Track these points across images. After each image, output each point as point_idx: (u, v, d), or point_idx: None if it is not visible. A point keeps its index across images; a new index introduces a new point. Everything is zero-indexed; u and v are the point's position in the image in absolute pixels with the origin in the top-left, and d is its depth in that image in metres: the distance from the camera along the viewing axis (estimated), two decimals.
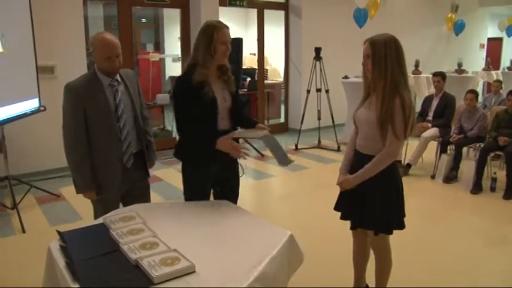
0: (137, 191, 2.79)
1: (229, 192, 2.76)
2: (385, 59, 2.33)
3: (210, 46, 2.41)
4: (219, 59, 2.47)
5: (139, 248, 1.86)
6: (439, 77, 5.90)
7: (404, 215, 2.56)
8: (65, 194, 5.00)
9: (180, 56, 7.53)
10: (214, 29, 2.43)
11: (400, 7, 9.56)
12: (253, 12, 10.33)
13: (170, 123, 7.68)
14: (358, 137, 2.59)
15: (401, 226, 2.54)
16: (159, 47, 11.81)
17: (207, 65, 2.44)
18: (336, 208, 2.69)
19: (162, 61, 10.95)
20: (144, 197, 2.86)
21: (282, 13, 8.60)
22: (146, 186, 2.90)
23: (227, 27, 2.50)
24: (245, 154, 2.53)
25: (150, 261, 1.74)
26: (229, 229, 2.15)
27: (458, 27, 10.22)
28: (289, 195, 5.27)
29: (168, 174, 5.76)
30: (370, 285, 2.89)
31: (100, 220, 2.25)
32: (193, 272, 1.71)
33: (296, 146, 7.44)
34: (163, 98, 7.11)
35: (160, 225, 2.11)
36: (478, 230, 4.24)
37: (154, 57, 8.53)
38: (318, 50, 7.41)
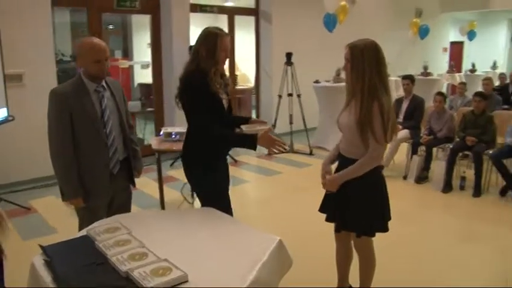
0: (119, 200, 2.77)
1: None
2: (363, 63, 2.37)
3: (214, 53, 2.48)
4: (220, 65, 2.54)
5: (128, 259, 1.83)
6: (408, 80, 6.06)
7: (389, 218, 2.60)
8: (36, 206, 4.84)
9: (150, 62, 7.44)
10: (217, 37, 2.50)
11: (368, 12, 9.76)
12: (222, 18, 10.35)
13: (142, 131, 7.59)
14: (341, 141, 2.63)
15: (385, 229, 2.59)
16: (127, 53, 11.64)
17: (210, 71, 2.49)
18: (321, 210, 2.72)
19: (130, 68, 10.80)
20: (126, 207, 2.83)
21: (251, 19, 8.64)
22: (129, 195, 2.88)
23: (228, 35, 2.57)
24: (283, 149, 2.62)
25: (141, 272, 1.72)
26: (217, 236, 2.14)
27: (423, 32, 10.53)
28: (266, 200, 5.29)
29: (142, 183, 5.62)
30: (353, 286, 2.92)
31: (83, 232, 2.20)
32: (186, 281, 1.69)
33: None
34: (135, 105, 7.03)
35: (146, 235, 2.08)
36: (451, 228, 4.37)
37: (124, 64, 8.41)
38: (289, 55, 7.48)
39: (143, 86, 10.20)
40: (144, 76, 10.41)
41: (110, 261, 1.83)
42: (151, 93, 8.10)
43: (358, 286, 2.80)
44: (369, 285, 2.76)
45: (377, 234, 2.60)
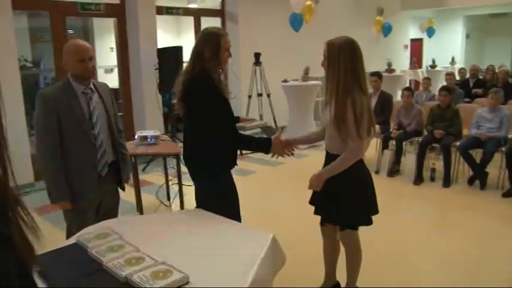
0: (107, 205, 2.74)
1: None
2: (338, 60, 2.41)
3: (218, 53, 2.47)
4: (224, 65, 2.55)
5: (125, 264, 1.81)
6: (376, 76, 6.20)
7: (376, 212, 2.66)
8: None
9: (117, 65, 7.30)
10: (220, 37, 2.49)
11: (332, 11, 9.92)
12: (185, 20, 10.26)
13: None
14: (325, 137, 2.68)
15: (368, 222, 2.65)
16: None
17: (217, 72, 2.49)
18: (311, 202, 2.77)
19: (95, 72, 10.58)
20: (114, 212, 2.80)
21: (218, 20, 8.62)
22: (117, 200, 2.85)
23: (228, 34, 2.59)
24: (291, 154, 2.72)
25: (141, 276, 1.70)
26: (211, 236, 2.14)
27: (386, 29, 10.80)
28: (245, 200, 5.25)
29: None
30: (342, 285, 2.97)
31: (72, 240, 2.15)
32: (188, 282, 1.69)
33: (241, 151, 7.46)
34: None
35: (139, 239, 2.05)
36: (425, 218, 4.52)
37: None
38: (257, 55, 7.52)
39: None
40: (108, 80, 10.20)
41: (106, 267, 1.80)
42: (116, 98, 7.96)
43: (346, 279, 2.85)
44: (355, 278, 2.82)
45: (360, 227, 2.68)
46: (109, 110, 2.67)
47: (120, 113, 6.91)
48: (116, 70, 8.99)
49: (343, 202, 2.58)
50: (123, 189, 2.89)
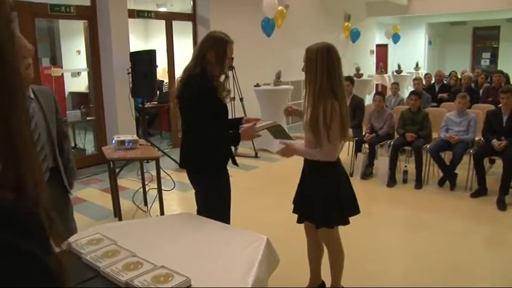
0: (56, 208, 2.68)
1: None
2: (315, 64, 2.46)
3: (223, 60, 2.53)
4: (224, 70, 2.61)
5: (124, 269, 1.79)
6: (349, 81, 6.32)
7: (354, 212, 2.75)
8: None
9: (87, 69, 7.15)
10: (227, 44, 2.54)
11: (302, 17, 10.07)
12: (154, 24, 10.15)
13: (82, 141, 7.29)
14: (304, 140, 2.74)
15: (344, 222, 2.71)
16: (56, 61, 11.10)
17: (219, 77, 2.55)
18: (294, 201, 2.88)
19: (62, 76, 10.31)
20: (65, 212, 2.76)
21: (187, 24, 8.58)
22: (66, 201, 2.81)
23: (232, 42, 2.62)
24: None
25: (142, 281, 1.69)
26: (206, 239, 2.15)
27: (354, 35, 11.04)
28: None
29: (90, 194, 5.46)
30: (327, 285, 3.03)
31: (63, 246, 2.10)
32: (190, 285, 1.69)
33: None
34: (74, 114, 6.72)
35: (133, 244, 2.04)
36: (399, 218, 4.65)
37: (57, 72, 8.02)
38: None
39: (75, 95, 9.80)
40: (75, 85, 9.99)
41: (104, 274, 1.78)
42: (85, 102, 7.79)
43: (331, 279, 2.90)
44: (339, 277, 2.87)
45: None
46: (48, 116, 2.63)
47: (91, 117, 6.89)
48: (83, 74, 8.81)
49: (315, 201, 2.65)
50: (70, 193, 2.84)
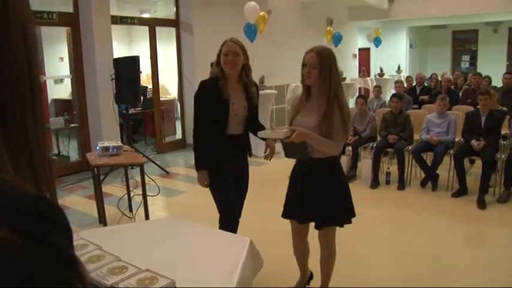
0: None
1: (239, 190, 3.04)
2: (329, 66, 2.50)
3: (219, 58, 2.77)
4: (224, 68, 2.78)
5: (109, 273, 1.81)
6: None
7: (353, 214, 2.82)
8: None
9: (68, 76, 7.12)
10: (224, 43, 2.79)
11: (285, 22, 10.14)
12: (138, 30, 10.13)
13: (65, 148, 7.24)
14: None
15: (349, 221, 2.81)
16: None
17: (219, 74, 2.79)
18: (286, 211, 2.91)
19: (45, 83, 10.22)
20: None
21: (170, 30, 8.59)
22: None
23: (232, 41, 2.81)
24: None
25: (127, 284, 1.71)
26: (190, 242, 2.17)
27: (337, 39, 11.15)
28: (208, 208, 5.27)
29: (73, 201, 5.44)
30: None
31: None
32: (175, 287, 1.71)
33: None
34: (58, 122, 6.68)
35: (117, 249, 2.05)
36: (383, 219, 4.72)
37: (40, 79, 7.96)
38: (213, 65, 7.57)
39: (58, 102, 9.72)
40: (59, 92, 9.90)
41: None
42: (68, 109, 7.74)
43: (321, 278, 2.97)
44: (330, 275, 2.94)
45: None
46: None
47: (74, 124, 6.85)
48: (66, 80, 8.75)
49: (329, 198, 2.66)
50: None
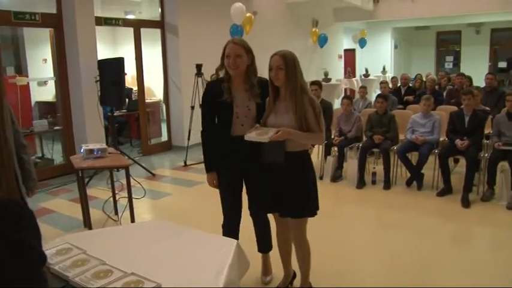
0: None
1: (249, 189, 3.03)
2: (294, 68, 2.68)
3: (223, 59, 2.81)
4: (228, 70, 2.80)
5: (93, 277, 1.79)
6: (317, 85, 6.42)
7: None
8: None
9: (52, 78, 7.03)
10: (226, 45, 2.83)
11: (271, 23, 10.16)
12: (122, 31, 10.05)
13: (49, 151, 7.15)
14: None
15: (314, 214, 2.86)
16: (21, 70, 10.85)
17: (225, 76, 2.84)
18: (262, 205, 2.99)
19: (28, 86, 10.08)
20: None
21: (155, 31, 8.54)
22: None
23: (234, 42, 2.83)
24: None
25: None
26: (176, 245, 2.15)
27: (322, 40, 11.21)
28: (195, 210, 5.26)
29: (58, 205, 5.36)
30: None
31: None
32: None
33: (185, 162, 7.43)
34: (41, 124, 6.59)
35: (103, 253, 2.03)
36: (370, 219, 4.75)
37: (22, 81, 7.85)
38: (199, 67, 7.54)
39: (42, 104, 9.60)
40: (42, 94, 9.79)
41: (73, 283, 1.77)
42: (52, 111, 7.64)
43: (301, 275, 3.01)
44: (309, 269, 2.97)
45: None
46: None
47: (58, 127, 6.77)
48: (50, 82, 8.65)
49: (298, 190, 2.76)
50: (25, 203, 2.82)
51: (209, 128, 2.94)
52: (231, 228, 2.94)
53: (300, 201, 2.77)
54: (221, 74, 2.89)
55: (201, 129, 3.00)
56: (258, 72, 2.90)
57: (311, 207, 2.81)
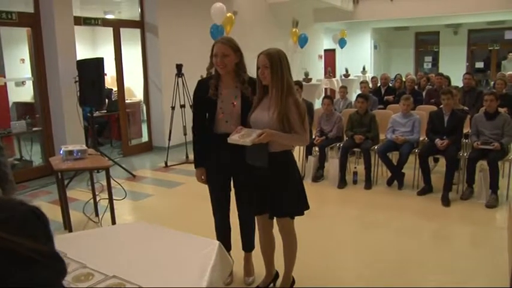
0: None
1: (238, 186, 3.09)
2: (281, 67, 2.68)
3: (212, 59, 2.87)
4: (217, 68, 2.87)
5: (74, 281, 1.76)
6: (297, 85, 6.42)
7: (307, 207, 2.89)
8: None
9: (30, 78, 6.91)
10: (213, 45, 2.88)
11: (251, 23, 10.16)
12: (102, 31, 9.94)
13: (28, 152, 7.02)
14: None
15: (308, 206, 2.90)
16: None
17: (214, 74, 2.92)
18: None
19: (5, 86, 9.88)
20: None
21: (135, 31, 8.45)
22: None
23: (221, 42, 2.87)
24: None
25: None
26: (158, 247, 2.13)
27: (302, 41, 11.26)
28: (177, 211, 5.22)
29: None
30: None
31: None
32: None
33: (166, 163, 7.37)
34: (19, 125, 6.46)
35: (84, 255, 2.00)
36: (352, 218, 4.78)
37: (0, 81, 7.70)
38: (179, 67, 7.49)
39: (20, 105, 9.43)
40: (20, 95, 9.60)
41: None
42: (30, 112, 7.50)
43: (284, 268, 3.04)
44: (293, 264, 3.01)
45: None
46: None
47: (37, 128, 6.65)
48: (28, 83, 8.49)
49: (286, 190, 2.78)
50: None
51: (198, 124, 3.03)
52: (218, 226, 3.15)
53: (288, 201, 2.79)
54: (213, 72, 2.96)
55: (187, 126, 3.13)
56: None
57: (300, 206, 2.84)
